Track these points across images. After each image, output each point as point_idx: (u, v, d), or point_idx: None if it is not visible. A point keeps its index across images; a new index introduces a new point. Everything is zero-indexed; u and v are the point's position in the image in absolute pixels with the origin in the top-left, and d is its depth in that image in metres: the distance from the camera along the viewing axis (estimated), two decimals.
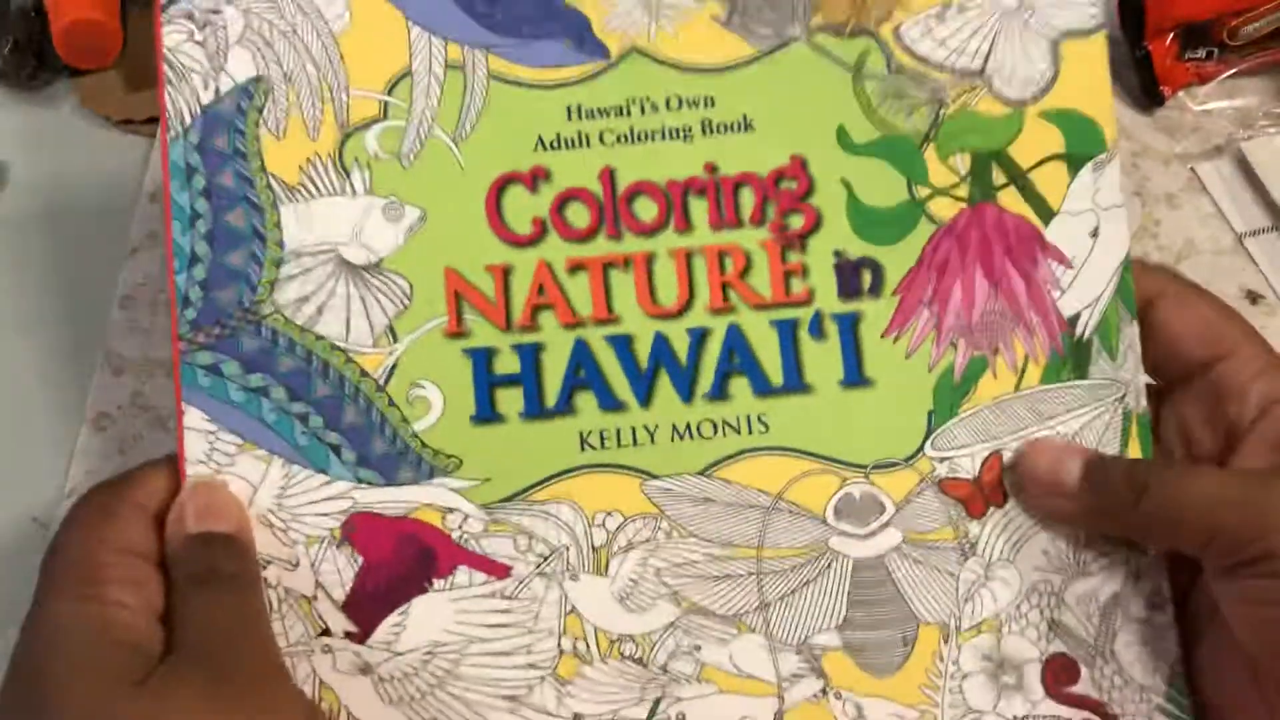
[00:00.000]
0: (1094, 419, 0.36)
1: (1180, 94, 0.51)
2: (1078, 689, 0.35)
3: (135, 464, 0.41)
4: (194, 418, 0.34)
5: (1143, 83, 0.50)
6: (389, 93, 0.36)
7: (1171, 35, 0.50)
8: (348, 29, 0.36)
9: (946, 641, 0.35)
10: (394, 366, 0.35)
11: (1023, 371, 0.37)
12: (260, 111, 0.36)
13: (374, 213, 0.35)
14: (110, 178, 0.48)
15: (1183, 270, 0.47)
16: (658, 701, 0.34)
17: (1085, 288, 0.37)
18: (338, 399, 0.35)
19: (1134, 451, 0.36)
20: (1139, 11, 0.49)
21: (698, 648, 0.35)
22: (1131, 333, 0.36)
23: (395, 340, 0.35)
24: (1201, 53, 0.51)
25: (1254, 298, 0.47)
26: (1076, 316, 0.37)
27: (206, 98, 0.36)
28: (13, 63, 0.50)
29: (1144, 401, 0.36)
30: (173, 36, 0.36)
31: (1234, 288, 0.47)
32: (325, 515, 0.35)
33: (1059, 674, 0.35)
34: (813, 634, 0.35)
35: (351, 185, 0.36)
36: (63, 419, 0.43)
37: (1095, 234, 0.37)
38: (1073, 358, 0.36)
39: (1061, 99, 0.37)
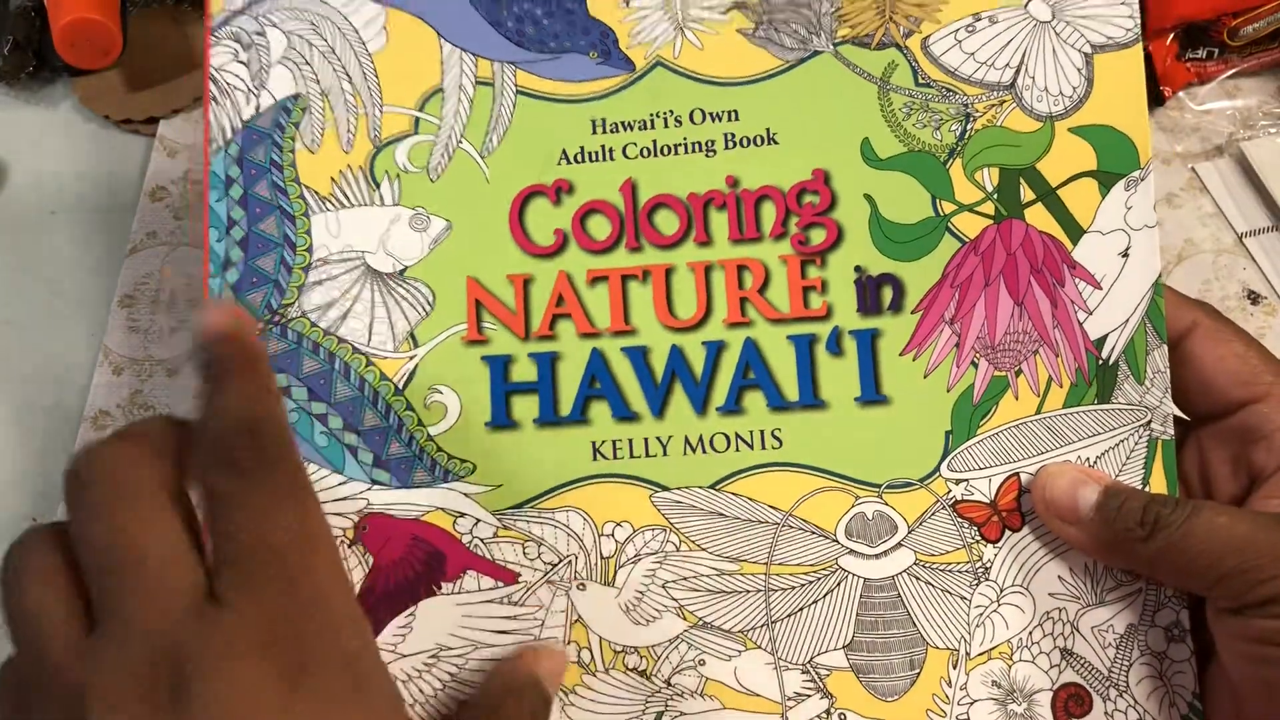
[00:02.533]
0: (1117, 444, 0.35)
1: (1180, 94, 0.51)
2: None
3: None
4: None
5: None
6: (420, 109, 0.37)
7: (1171, 35, 0.50)
8: (383, 48, 0.38)
9: (955, 667, 0.35)
10: (413, 371, 0.36)
11: (1045, 393, 0.36)
12: (297, 126, 0.37)
13: (401, 222, 0.37)
14: (110, 177, 0.49)
15: (1183, 270, 0.47)
16: (660, 715, 0.34)
17: (1114, 310, 0.36)
18: (357, 401, 0.36)
19: (1157, 478, 0.35)
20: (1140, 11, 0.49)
21: (702, 662, 0.35)
22: (1160, 357, 0.36)
23: (416, 345, 0.36)
24: (1201, 52, 0.51)
25: (1254, 298, 0.46)
26: (1103, 339, 0.36)
27: (248, 113, 0.37)
28: (13, 62, 0.50)
29: (1171, 428, 0.35)
30: (219, 56, 0.37)
31: (1234, 287, 0.47)
32: (339, 515, 0.35)
33: (1070, 705, 0.34)
34: (819, 653, 0.35)
35: (381, 196, 0.37)
36: (63, 417, 0.43)
37: (1126, 254, 0.36)
38: (1098, 381, 0.36)
39: (1094, 114, 0.37)
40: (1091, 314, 0.36)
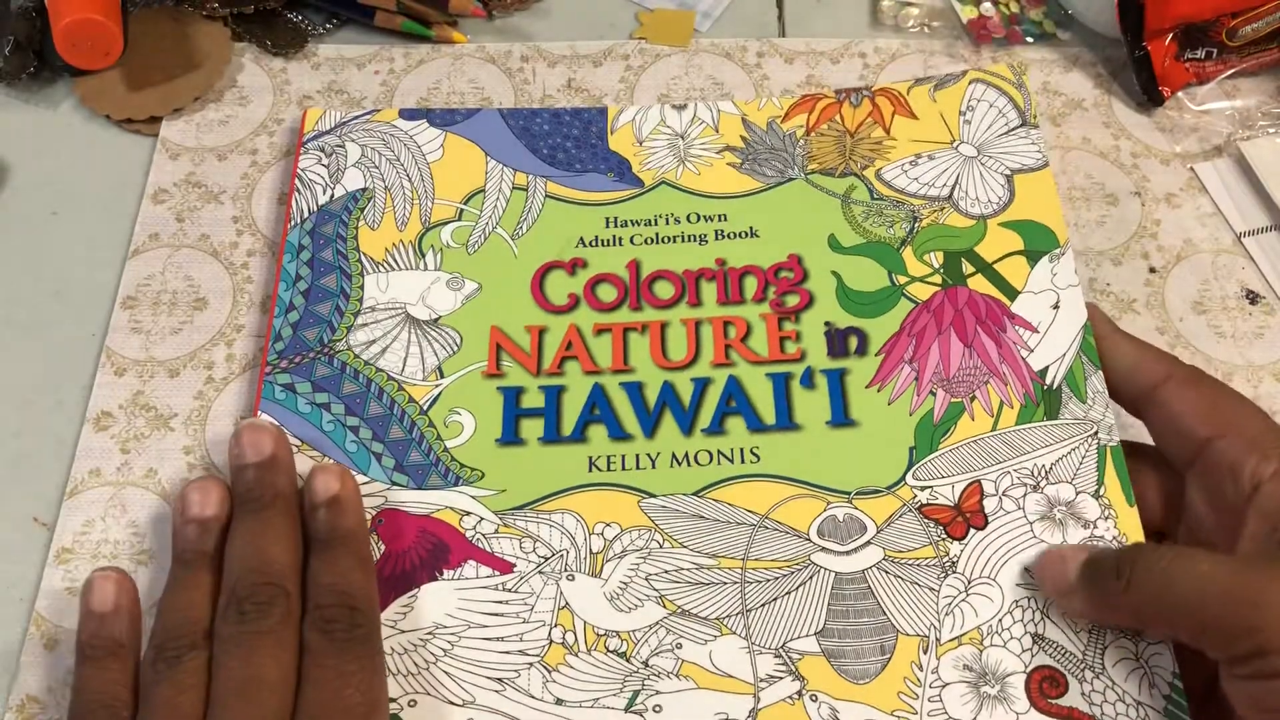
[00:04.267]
0: (1069, 453, 0.39)
1: (1179, 94, 0.51)
2: (1065, 701, 0.35)
3: (136, 463, 0.41)
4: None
5: (1142, 83, 0.51)
6: (465, 203, 0.45)
7: (1170, 35, 0.50)
8: (440, 159, 0.46)
9: (926, 652, 0.36)
10: (438, 396, 0.41)
11: (998, 414, 0.40)
12: (362, 211, 0.45)
13: (439, 283, 0.44)
14: (110, 177, 0.49)
15: (1182, 270, 0.47)
16: (636, 693, 0.36)
17: (1051, 347, 0.41)
18: (386, 418, 0.41)
19: (1110, 479, 0.38)
20: (1138, 11, 0.49)
21: (679, 646, 0.37)
22: (1098, 380, 0.40)
23: (442, 376, 0.42)
24: (1200, 53, 0.51)
25: (1254, 297, 0.46)
26: (1045, 369, 0.40)
27: (323, 200, 0.45)
28: (14, 63, 0.50)
29: (1116, 436, 0.39)
30: (306, 160, 0.46)
31: (1233, 287, 0.47)
32: None
33: (1045, 686, 0.35)
34: (791, 639, 0.37)
35: (425, 264, 0.44)
36: (63, 419, 0.43)
37: (1056, 307, 0.42)
38: (1045, 402, 0.40)
39: (1018, 213, 0.44)
40: (1033, 351, 0.41)
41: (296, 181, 0.46)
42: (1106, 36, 0.53)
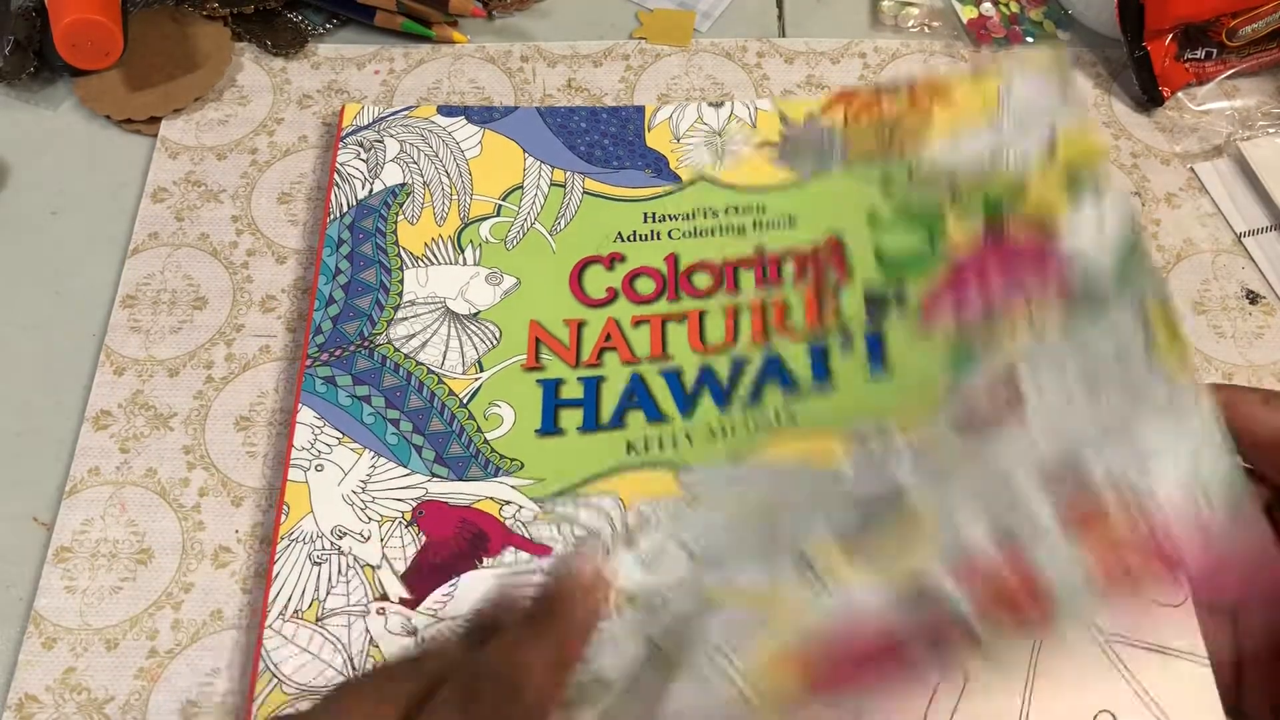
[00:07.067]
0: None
1: (1179, 94, 0.51)
2: None
3: (136, 463, 0.41)
4: (306, 415, 0.41)
5: (1142, 83, 0.51)
6: (503, 199, 0.46)
7: (1170, 36, 0.50)
8: (478, 155, 0.47)
9: None
10: (478, 389, 0.42)
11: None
12: (401, 206, 0.46)
13: (479, 278, 0.45)
14: (110, 177, 0.49)
15: (1183, 270, 0.47)
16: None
17: (1094, 242, 0.40)
18: (426, 410, 0.42)
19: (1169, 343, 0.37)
20: (1138, 11, 0.50)
21: (705, 584, 0.37)
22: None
23: (481, 370, 0.42)
24: (1200, 53, 0.51)
25: (1253, 297, 0.47)
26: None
27: (362, 194, 0.46)
28: (14, 63, 0.50)
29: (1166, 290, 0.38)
30: (345, 154, 0.47)
31: (1233, 287, 0.47)
32: (400, 500, 0.40)
33: None
34: (811, 540, 0.36)
35: (464, 259, 0.45)
36: (63, 418, 0.43)
37: (1100, 228, 0.41)
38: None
39: (1061, 165, 0.43)
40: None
41: (335, 176, 0.47)
42: (1106, 36, 0.53)
